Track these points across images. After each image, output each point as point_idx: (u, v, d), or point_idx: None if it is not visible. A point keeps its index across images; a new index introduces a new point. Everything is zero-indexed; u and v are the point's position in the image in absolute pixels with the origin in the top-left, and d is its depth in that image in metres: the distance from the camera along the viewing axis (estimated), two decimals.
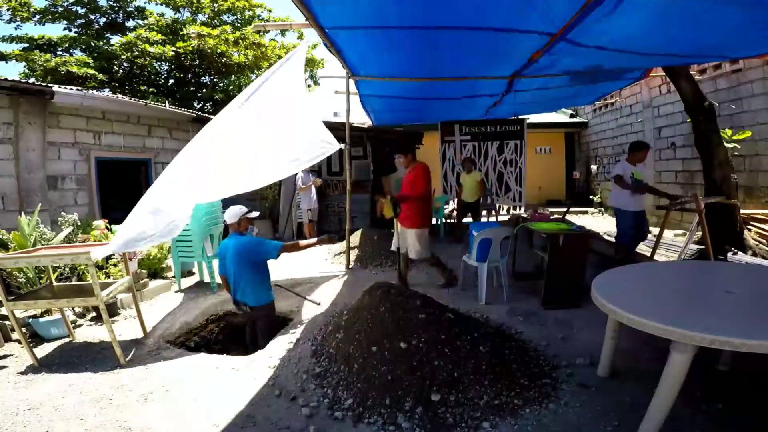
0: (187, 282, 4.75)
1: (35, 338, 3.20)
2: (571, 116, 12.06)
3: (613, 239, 5.96)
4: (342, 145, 3.61)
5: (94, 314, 3.67)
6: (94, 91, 8.15)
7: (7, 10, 11.08)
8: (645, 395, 1.86)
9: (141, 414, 2.20)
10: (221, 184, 2.34)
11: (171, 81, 13.03)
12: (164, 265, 4.86)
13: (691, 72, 5.11)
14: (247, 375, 2.58)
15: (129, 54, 11.04)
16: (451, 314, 2.66)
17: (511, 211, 9.10)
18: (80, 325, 3.52)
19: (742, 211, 5.08)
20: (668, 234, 6.34)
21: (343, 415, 2.10)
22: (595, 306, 2.06)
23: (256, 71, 13.12)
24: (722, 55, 4.17)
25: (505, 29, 2.88)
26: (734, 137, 5.33)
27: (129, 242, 2.61)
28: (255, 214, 3.25)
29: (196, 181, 2.38)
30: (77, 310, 3.66)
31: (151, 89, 11.86)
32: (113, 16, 12.65)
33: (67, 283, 3.60)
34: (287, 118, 2.76)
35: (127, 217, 2.52)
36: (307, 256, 6.17)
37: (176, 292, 4.49)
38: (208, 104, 13.08)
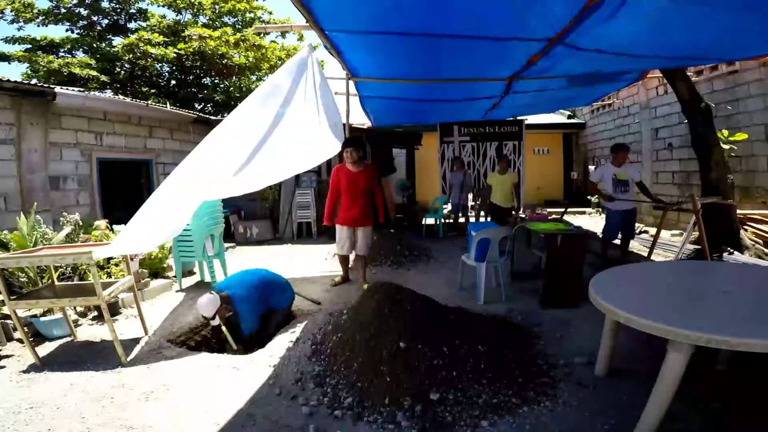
0: (188, 281, 4.76)
1: (37, 337, 3.22)
2: (569, 117, 12.11)
3: None
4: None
5: (95, 313, 3.69)
6: (96, 93, 8.19)
7: (11, 11, 11.09)
8: (642, 394, 1.87)
9: (142, 413, 2.22)
10: (226, 183, 2.35)
11: (172, 82, 13.04)
12: (165, 265, 4.87)
13: (688, 73, 5.14)
14: (247, 374, 2.60)
15: (131, 55, 11.05)
16: (450, 314, 2.68)
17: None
18: (82, 325, 3.54)
19: (738, 211, 5.11)
20: (665, 234, 6.37)
21: (343, 413, 2.12)
22: (593, 305, 2.08)
23: (256, 72, 13.14)
24: (719, 57, 4.20)
25: (505, 38, 2.90)
26: (731, 138, 5.35)
27: (131, 243, 2.62)
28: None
29: (200, 181, 2.39)
30: (79, 309, 3.67)
31: (152, 90, 11.87)
32: (115, 17, 12.67)
33: (69, 282, 3.61)
34: (300, 122, 2.78)
35: (130, 219, 2.54)
36: (307, 256, 6.19)
37: (177, 291, 4.51)
38: (208, 105, 13.10)
